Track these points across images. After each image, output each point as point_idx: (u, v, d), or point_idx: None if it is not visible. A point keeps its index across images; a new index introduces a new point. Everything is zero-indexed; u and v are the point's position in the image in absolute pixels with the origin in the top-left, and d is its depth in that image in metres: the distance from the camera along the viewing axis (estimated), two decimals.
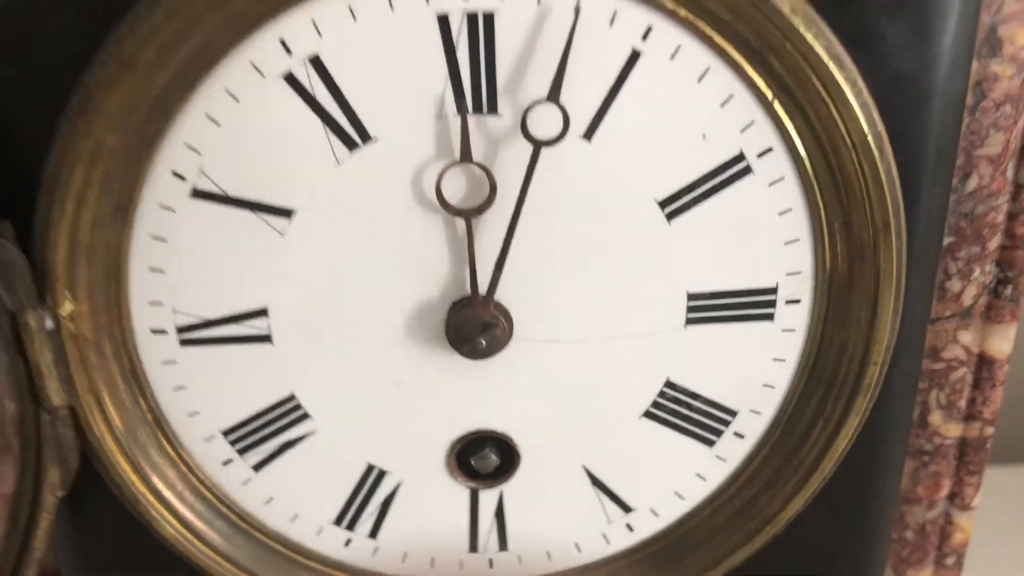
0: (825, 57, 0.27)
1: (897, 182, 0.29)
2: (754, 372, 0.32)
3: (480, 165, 0.28)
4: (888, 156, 0.28)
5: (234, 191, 0.29)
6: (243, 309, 0.30)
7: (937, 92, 0.28)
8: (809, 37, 0.26)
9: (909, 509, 0.38)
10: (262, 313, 0.30)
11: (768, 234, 0.30)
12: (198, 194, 0.29)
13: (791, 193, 0.29)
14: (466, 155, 0.28)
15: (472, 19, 0.27)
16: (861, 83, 0.27)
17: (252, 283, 0.30)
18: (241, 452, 0.33)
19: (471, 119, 0.28)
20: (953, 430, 0.36)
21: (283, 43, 0.27)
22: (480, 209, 0.29)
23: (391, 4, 0.27)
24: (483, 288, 0.30)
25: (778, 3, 0.26)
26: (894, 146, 0.28)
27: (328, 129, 0.28)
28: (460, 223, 0.29)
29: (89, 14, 0.26)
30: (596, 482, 0.34)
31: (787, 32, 0.26)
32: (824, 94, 0.27)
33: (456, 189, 0.29)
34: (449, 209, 0.29)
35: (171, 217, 0.29)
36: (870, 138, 0.28)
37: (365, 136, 0.28)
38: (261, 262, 0.30)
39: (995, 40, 0.29)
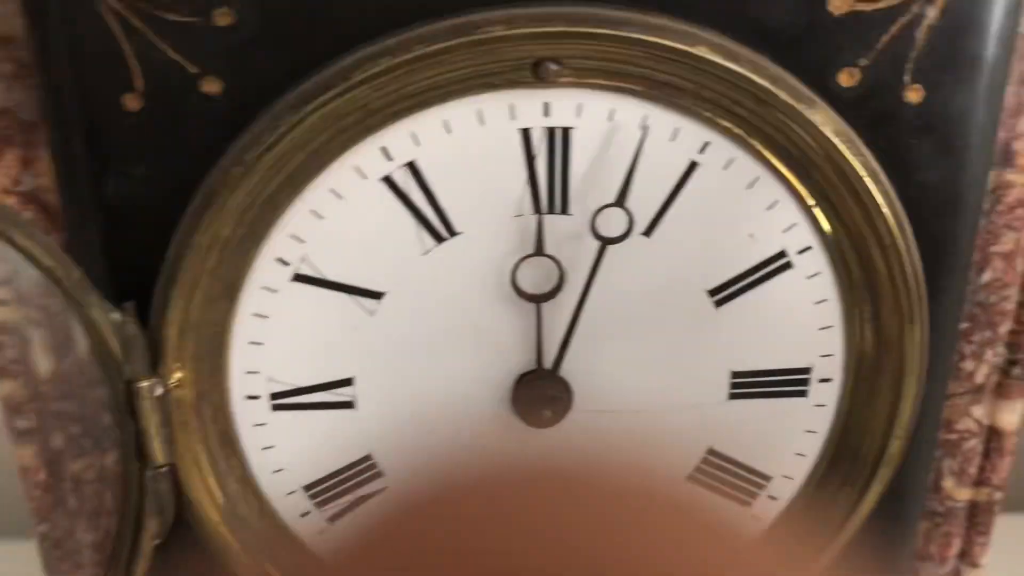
0: (862, 172, 0.30)
1: (922, 279, 0.32)
2: (788, 442, 0.35)
3: (551, 257, 0.32)
4: (915, 256, 0.32)
5: (331, 275, 0.32)
6: (331, 378, 0.34)
7: (959, 201, 0.32)
8: (848, 155, 0.30)
9: (923, 566, 0.41)
10: (348, 382, 0.34)
11: (805, 321, 0.33)
12: (299, 278, 0.32)
13: (826, 286, 0.33)
14: (539, 249, 0.32)
15: (551, 132, 0.30)
16: (892, 193, 0.31)
17: (341, 355, 0.33)
18: (318, 505, 0.36)
19: (545, 219, 0.31)
20: (964, 494, 0.39)
21: (384, 151, 0.30)
22: (549, 295, 0.32)
23: (481, 119, 0.30)
24: (548, 363, 0.33)
25: (822, 127, 0.30)
26: (920, 247, 0.32)
27: (419, 223, 0.31)
28: (531, 308, 0.33)
29: (212, 124, 0.30)
30: None
31: (830, 151, 0.30)
32: (859, 203, 0.31)
33: (530, 278, 0.32)
34: (522, 295, 0.32)
35: (273, 297, 0.32)
36: (899, 241, 0.31)
37: (451, 231, 0.31)
38: (351, 337, 0.33)
39: (1009, 153, 0.33)
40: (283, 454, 0.35)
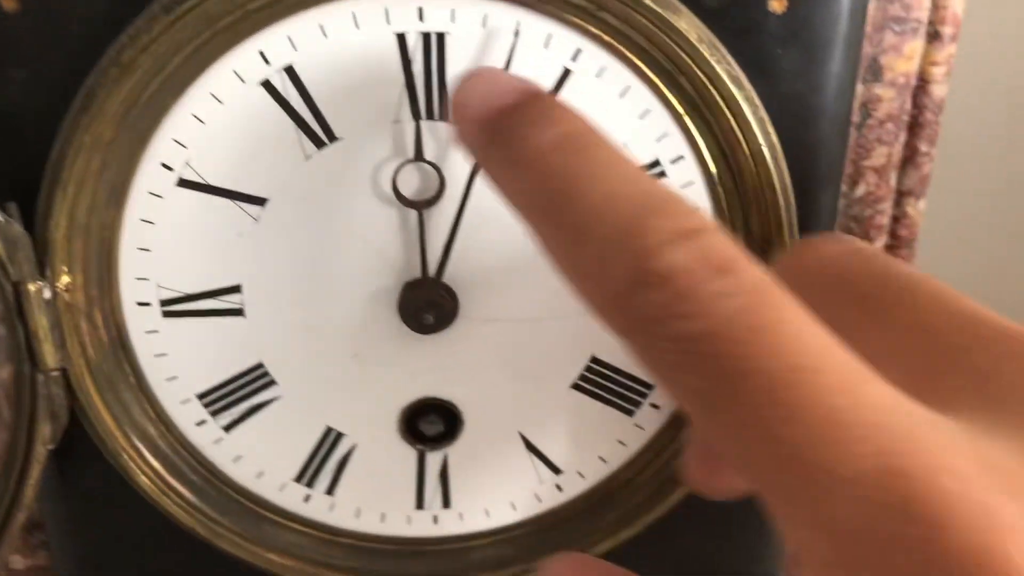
0: (727, 80, 0.31)
1: (790, 188, 0.33)
2: None
3: (431, 163, 0.33)
4: (782, 165, 0.33)
5: (215, 180, 0.33)
6: (219, 285, 0.34)
7: (826, 111, 0.33)
8: (713, 62, 0.31)
9: None
10: (236, 289, 0.34)
11: None
12: (183, 183, 0.33)
13: (699, 195, 0.34)
14: (419, 155, 0.32)
15: (426, 37, 0.31)
16: (758, 102, 0.32)
17: (228, 262, 0.34)
18: (213, 414, 0.37)
19: (424, 124, 0.32)
20: None
21: (262, 54, 0.31)
22: (430, 202, 0.33)
23: (356, 23, 0.31)
24: (432, 271, 0.34)
25: (687, 33, 0.30)
26: (787, 157, 0.33)
27: (299, 128, 0.32)
28: (413, 214, 0.33)
29: (91, 24, 0.30)
30: (530, 447, 0.38)
31: (695, 58, 0.31)
32: (726, 111, 0.32)
33: (410, 184, 0.33)
34: (403, 201, 0.33)
35: (158, 203, 0.33)
36: (765, 150, 0.32)
37: (331, 136, 0.32)
38: (236, 243, 0.34)
39: (877, 67, 0.34)
40: (176, 362, 0.36)
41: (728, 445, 0.19)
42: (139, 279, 0.34)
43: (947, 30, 0.34)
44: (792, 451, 0.17)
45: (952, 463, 0.16)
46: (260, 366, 0.36)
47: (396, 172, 0.33)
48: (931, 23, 0.34)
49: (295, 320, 0.35)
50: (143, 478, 0.36)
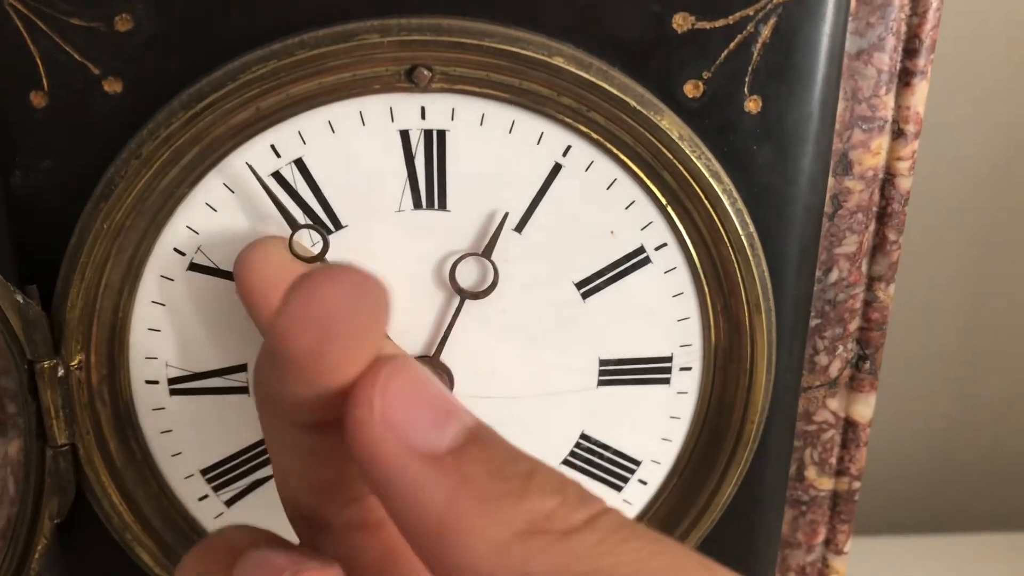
0: (706, 174, 0.34)
1: (767, 273, 0.36)
2: (654, 428, 0.38)
3: (490, 260, 0.35)
4: (759, 252, 0.35)
5: (224, 265, 0.34)
6: (226, 364, 0.36)
7: (799, 202, 0.35)
8: (693, 158, 0.33)
9: (791, 552, 0.44)
10: (242, 368, 0.36)
11: (664, 312, 0.36)
12: (194, 267, 0.34)
13: (682, 280, 0.36)
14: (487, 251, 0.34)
15: (428, 134, 0.33)
16: (736, 194, 0.34)
17: (235, 342, 0.36)
18: (216, 489, 0.38)
19: (425, 214, 0.34)
20: (826, 483, 0.42)
21: (273, 148, 0.33)
22: (479, 295, 0.35)
23: (363, 120, 0.33)
24: (432, 351, 0.36)
25: (669, 132, 0.33)
26: (763, 244, 0.35)
27: (307, 217, 0.34)
28: (412, 299, 0.35)
29: (113, 119, 0.32)
30: None
31: (677, 154, 0.33)
32: (706, 203, 0.34)
33: (412, 270, 0.35)
34: (460, 292, 0.35)
35: (170, 286, 0.35)
36: (743, 238, 0.35)
37: (338, 224, 0.34)
38: (243, 324, 0.35)
39: (847, 162, 0.37)
40: (181, 438, 0.37)
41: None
42: (148, 358, 0.36)
43: (910, 128, 0.37)
44: None
45: None
46: (262, 442, 0.37)
47: (456, 264, 0.35)
48: (895, 122, 0.36)
49: None
50: (146, 555, 0.37)
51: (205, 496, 0.38)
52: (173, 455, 0.37)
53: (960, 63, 0.60)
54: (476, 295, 0.35)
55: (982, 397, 0.75)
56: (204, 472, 0.38)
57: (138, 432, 0.37)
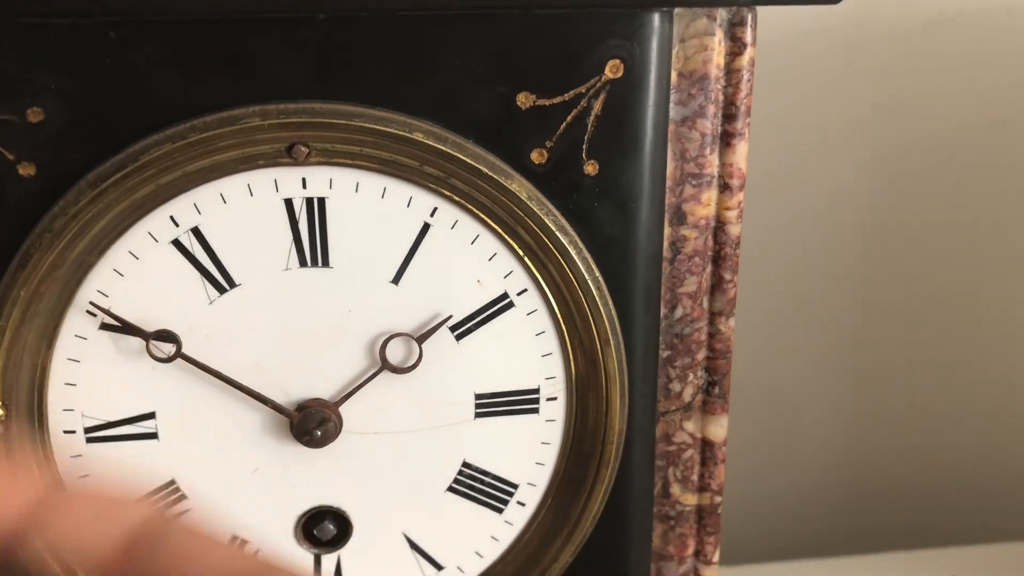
0: (554, 229, 0.39)
1: (614, 312, 0.41)
2: (528, 453, 0.43)
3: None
4: (605, 294, 0.40)
5: (132, 321, 0.39)
6: (136, 413, 0.40)
7: (638, 250, 0.41)
8: (542, 215, 0.39)
9: (665, 564, 0.49)
10: (151, 416, 0.40)
11: (529, 349, 0.41)
12: (104, 326, 0.39)
13: (543, 320, 0.41)
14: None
15: (309, 201, 0.38)
16: (581, 245, 0.40)
17: (143, 392, 0.40)
18: None
19: (310, 271, 0.39)
20: (690, 499, 0.47)
21: (172, 219, 0.38)
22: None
23: (251, 191, 0.38)
24: (331, 397, 0.40)
25: (518, 193, 0.38)
26: (609, 287, 0.41)
27: (204, 278, 0.39)
28: (299, 361, 0.40)
29: (26, 198, 0.37)
30: (414, 546, 0.44)
31: (527, 212, 0.39)
32: (556, 253, 0.39)
33: (297, 319, 0.40)
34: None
35: (83, 344, 0.39)
36: (590, 282, 0.40)
37: (231, 283, 0.39)
38: (151, 376, 0.40)
39: (681, 213, 0.42)
40: (98, 482, 0.41)
41: None
42: (65, 410, 0.40)
43: (735, 182, 0.42)
44: None
45: None
46: (172, 483, 0.41)
47: (387, 342, 0.40)
48: (721, 177, 0.42)
49: (202, 441, 0.41)
50: None
51: None
52: None
53: (775, 121, 0.68)
54: (399, 370, 0.40)
55: (876, 419, 0.81)
56: None
57: (57, 478, 0.40)
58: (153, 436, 0.40)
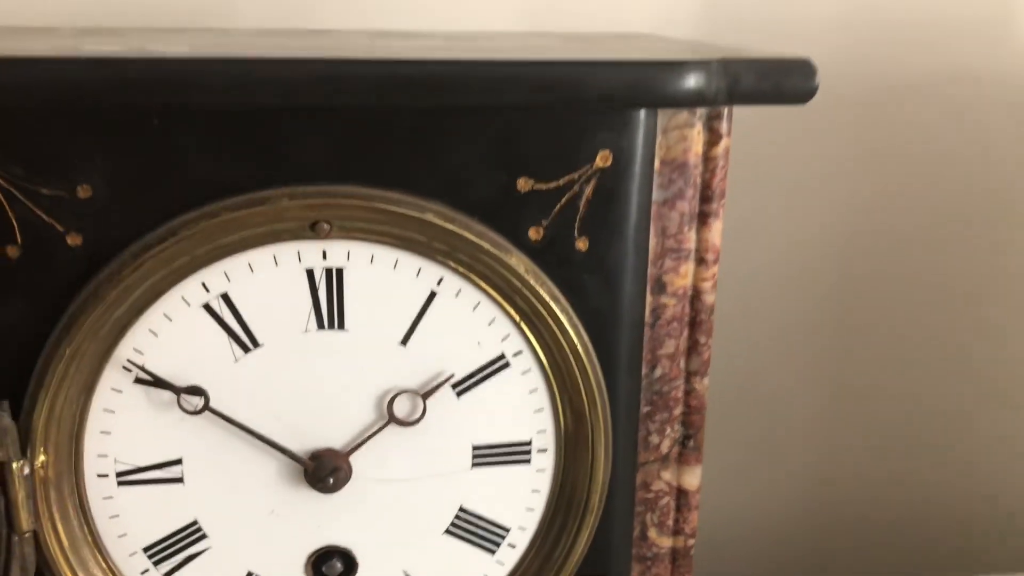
0: (548, 298, 0.43)
1: (600, 373, 0.45)
2: (520, 500, 0.47)
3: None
4: (593, 357, 0.45)
5: (164, 377, 0.43)
6: (164, 459, 0.44)
7: (623, 317, 0.45)
8: (537, 286, 0.43)
9: None
10: (178, 462, 0.44)
11: (523, 405, 0.46)
12: (139, 381, 0.43)
13: (535, 379, 0.45)
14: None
15: (328, 272, 0.42)
16: (572, 313, 0.44)
17: (172, 441, 0.44)
18: (155, 563, 0.45)
19: (327, 333, 0.43)
20: (666, 542, 0.52)
21: (204, 285, 0.42)
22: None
23: (276, 262, 0.42)
24: (344, 447, 0.44)
25: (516, 267, 0.42)
26: (597, 350, 0.45)
27: (230, 338, 0.43)
28: (315, 403, 0.44)
29: (74, 266, 0.41)
30: None
31: (524, 283, 0.43)
32: (549, 320, 0.44)
33: (315, 378, 0.44)
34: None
35: (119, 396, 0.43)
36: (579, 346, 0.44)
37: (256, 343, 0.43)
38: (180, 426, 0.43)
39: (662, 283, 0.47)
40: (126, 522, 0.45)
41: None
42: (100, 456, 0.43)
43: (710, 256, 0.47)
44: None
45: None
46: (195, 523, 0.45)
47: (394, 397, 0.44)
48: (698, 251, 0.47)
49: (224, 485, 0.45)
50: None
51: (146, 571, 0.45)
52: (119, 536, 0.45)
53: (747, 203, 0.73)
54: (405, 423, 0.44)
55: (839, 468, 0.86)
56: (146, 550, 0.45)
57: (90, 518, 0.44)
58: (179, 480, 0.44)
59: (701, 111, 0.44)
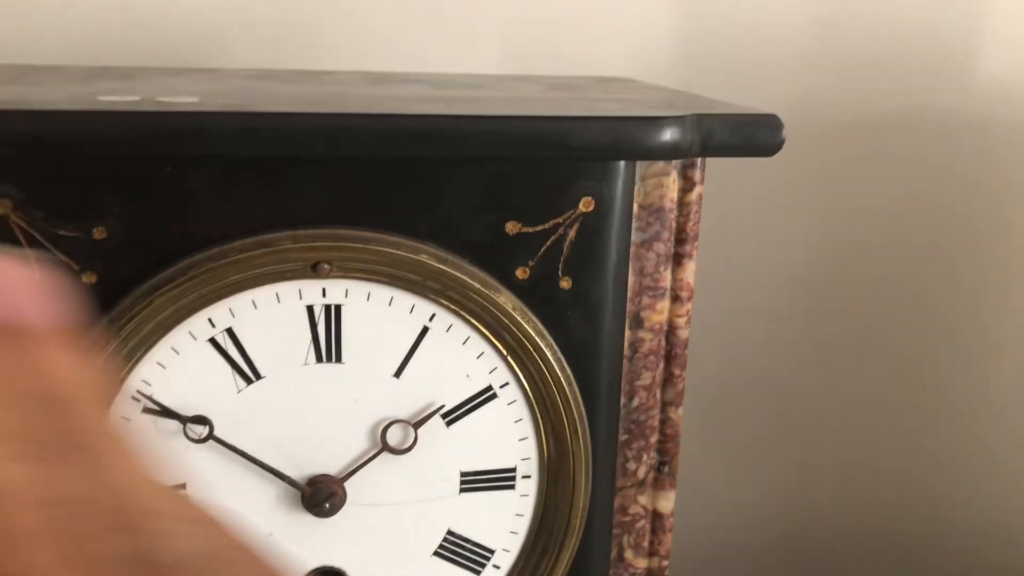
0: (533, 333, 0.46)
1: (581, 403, 0.48)
2: (504, 523, 0.50)
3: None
4: (574, 388, 0.48)
5: (171, 407, 0.45)
6: (170, 483, 0.46)
7: (603, 351, 0.48)
8: (523, 322, 0.46)
9: None
10: (182, 487, 0.46)
11: (508, 434, 0.48)
12: (146, 410, 0.45)
13: (521, 409, 0.48)
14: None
15: (327, 308, 0.45)
16: (556, 347, 0.47)
17: (179, 466, 0.46)
18: None
19: (325, 366, 0.46)
20: (642, 563, 0.55)
21: (210, 321, 0.44)
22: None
23: (278, 299, 0.45)
24: (338, 473, 0.47)
25: (504, 304, 0.45)
26: (578, 382, 0.48)
27: (234, 371, 0.45)
28: (313, 433, 0.46)
29: (89, 306, 0.43)
30: None
31: (511, 319, 0.46)
32: (534, 354, 0.47)
33: (312, 409, 0.46)
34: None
35: (127, 424, 0.45)
36: (563, 379, 0.47)
37: (257, 375, 0.45)
38: (185, 452, 0.46)
39: (639, 319, 0.50)
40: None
41: None
42: None
43: (684, 294, 0.50)
44: None
45: None
46: None
47: (388, 427, 0.46)
48: (673, 290, 0.50)
49: (225, 509, 0.47)
50: None
51: None
52: None
53: (719, 243, 0.78)
54: (397, 451, 0.47)
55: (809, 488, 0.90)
56: None
57: None
58: None
59: (677, 160, 0.47)
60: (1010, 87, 0.82)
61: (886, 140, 0.82)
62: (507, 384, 0.48)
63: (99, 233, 0.42)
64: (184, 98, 0.45)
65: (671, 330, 0.51)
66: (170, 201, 0.43)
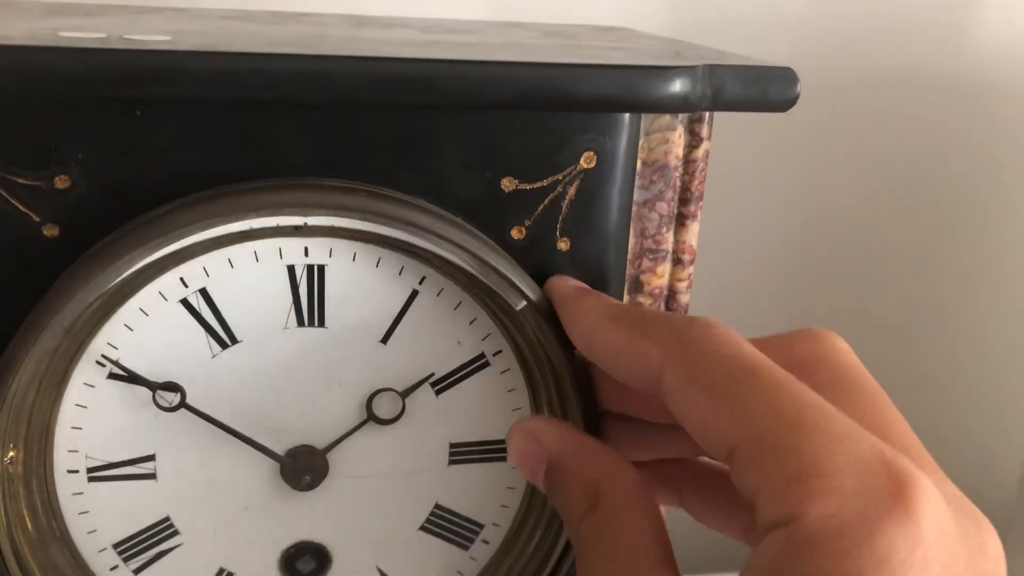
0: (530, 297, 0.43)
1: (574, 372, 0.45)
2: (495, 497, 0.47)
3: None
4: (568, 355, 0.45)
5: (139, 372, 0.42)
6: (137, 455, 0.43)
7: None
8: (519, 285, 0.43)
9: None
10: (151, 458, 0.43)
11: (501, 404, 0.46)
12: (112, 376, 0.42)
13: (514, 378, 0.45)
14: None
15: (310, 268, 0.42)
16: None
17: (145, 436, 0.43)
18: (125, 560, 0.45)
19: (307, 331, 0.43)
20: None
21: (182, 280, 0.41)
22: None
23: (257, 257, 0.41)
24: (321, 445, 0.44)
25: (498, 266, 0.42)
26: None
27: (208, 334, 0.42)
28: (294, 399, 0.43)
29: (51, 261, 0.40)
30: None
31: (505, 283, 0.43)
32: (528, 318, 0.44)
33: (294, 374, 0.43)
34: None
35: (91, 391, 0.42)
36: (556, 347, 0.44)
37: (233, 340, 0.42)
38: (154, 422, 0.43)
39: (639, 283, 0.47)
40: (96, 518, 0.44)
41: None
42: (70, 451, 0.43)
43: (686, 257, 0.47)
44: None
45: None
46: (167, 519, 0.44)
47: (374, 395, 0.44)
48: (675, 252, 0.47)
49: (198, 481, 0.44)
50: None
51: (116, 566, 0.45)
52: (89, 532, 0.44)
53: (725, 205, 0.74)
54: (384, 421, 0.44)
55: None
56: (116, 546, 0.44)
57: (58, 514, 0.43)
58: (151, 476, 0.44)
59: (683, 114, 0.44)
60: (1012, 48, 0.80)
61: (885, 100, 0.80)
62: (500, 352, 0.45)
63: (62, 182, 0.39)
64: (155, 36, 0.41)
65: (671, 295, 0.48)
66: (140, 148, 0.39)
